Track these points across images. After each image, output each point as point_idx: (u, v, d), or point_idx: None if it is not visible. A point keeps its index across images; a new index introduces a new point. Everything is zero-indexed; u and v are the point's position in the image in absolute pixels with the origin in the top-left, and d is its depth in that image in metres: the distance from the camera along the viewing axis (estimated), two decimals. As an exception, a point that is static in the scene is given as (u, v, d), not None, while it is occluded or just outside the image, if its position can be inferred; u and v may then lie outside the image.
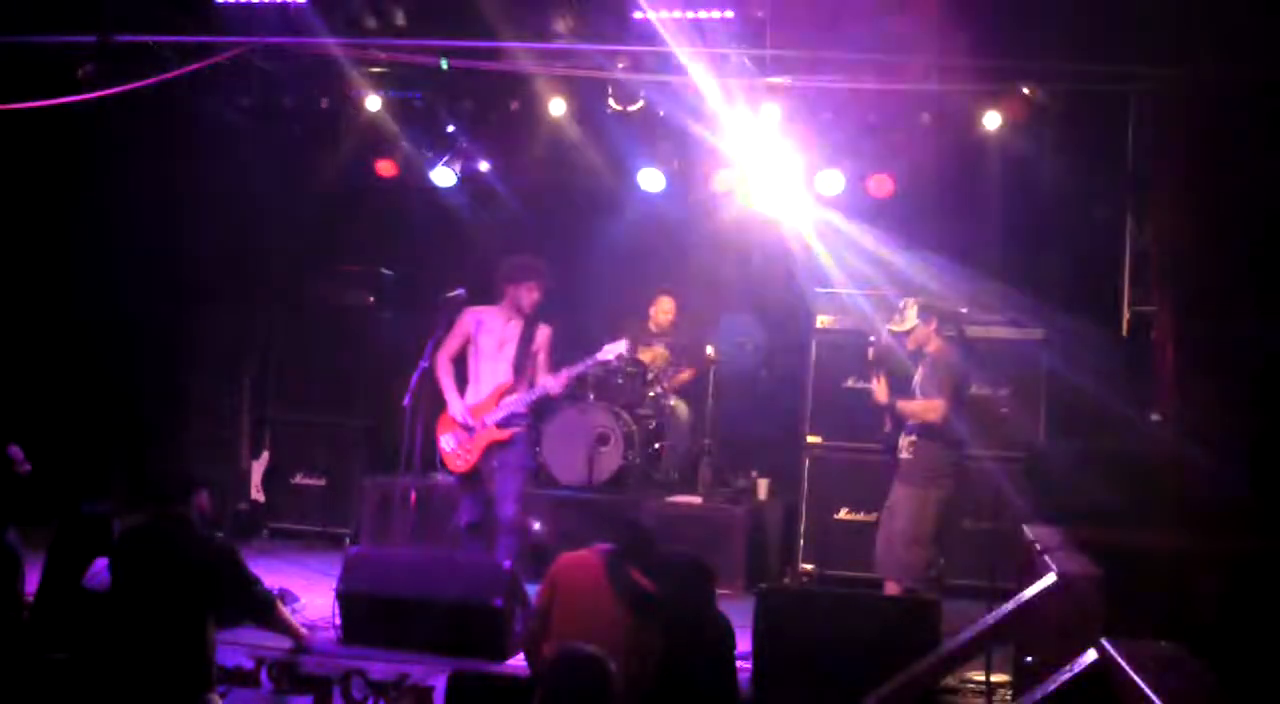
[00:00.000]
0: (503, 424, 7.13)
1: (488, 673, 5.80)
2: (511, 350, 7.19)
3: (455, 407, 7.17)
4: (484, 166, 9.59)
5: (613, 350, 7.25)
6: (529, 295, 7.18)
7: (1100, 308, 8.20)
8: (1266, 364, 6.41)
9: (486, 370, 7.21)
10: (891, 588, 6.69)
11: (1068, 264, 8.45)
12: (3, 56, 7.55)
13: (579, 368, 7.28)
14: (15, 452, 6.29)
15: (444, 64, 8.01)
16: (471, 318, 7.24)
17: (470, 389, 7.24)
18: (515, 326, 7.22)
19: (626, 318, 9.59)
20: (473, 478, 7.19)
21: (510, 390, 7.14)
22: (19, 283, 8.87)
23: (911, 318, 6.79)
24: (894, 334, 6.87)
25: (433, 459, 7.63)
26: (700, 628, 4.98)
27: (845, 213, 9.11)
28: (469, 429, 7.14)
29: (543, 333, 7.23)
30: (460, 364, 7.29)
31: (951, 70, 7.58)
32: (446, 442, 7.19)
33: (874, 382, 6.85)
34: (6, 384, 8.39)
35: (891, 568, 6.71)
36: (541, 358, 7.19)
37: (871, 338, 6.99)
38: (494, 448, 7.14)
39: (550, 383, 7.10)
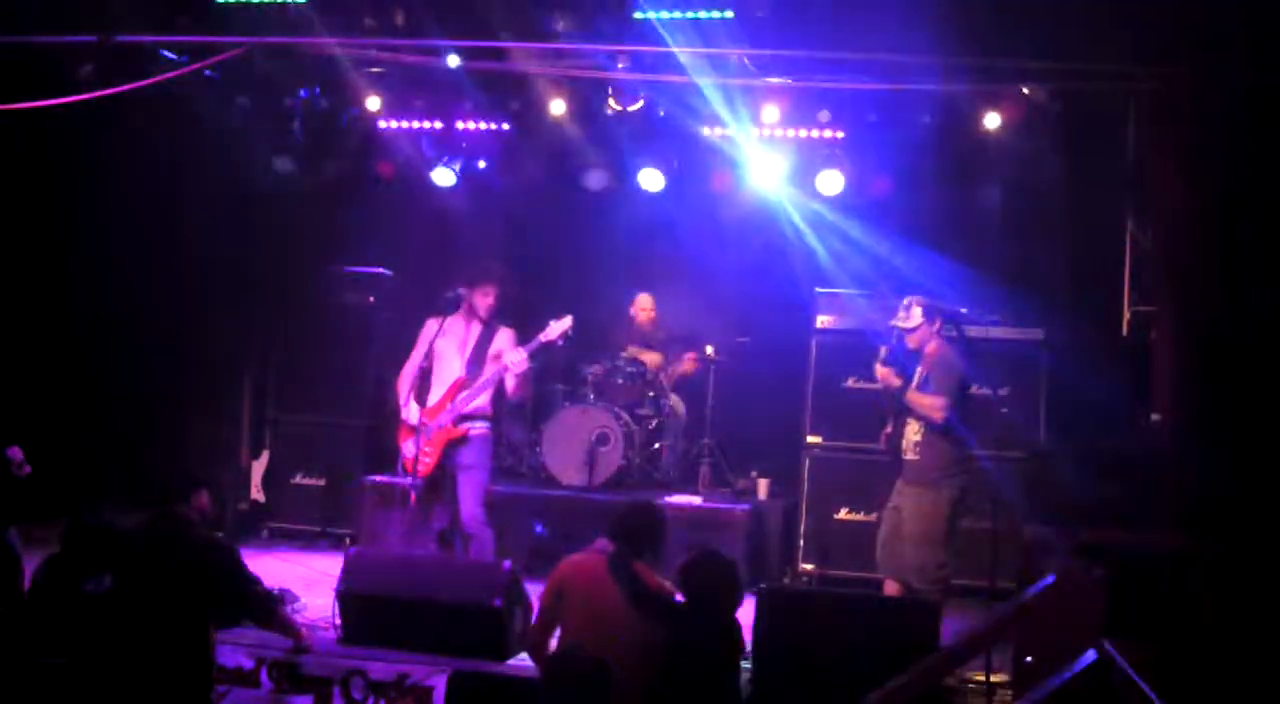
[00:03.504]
0: (458, 421, 7.03)
1: (488, 673, 5.79)
2: (468, 350, 7.11)
3: (409, 411, 7.07)
4: (482, 166, 9.59)
5: (557, 328, 7.09)
6: (483, 300, 7.09)
7: (1100, 308, 8.20)
8: (1264, 362, 6.42)
9: (444, 373, 7.12)
10: (891, 588, 6.68)
11: (1068, 264, 8.45)
12: (3, 56, 7.54)
13: (524, 348, 7.07)
14: (15, 453, 6.27)
15: (452, 61, 7.97)
16: (433, 325, 7.14)
17: (430, 394, 7.14)
18: (474, 330, 7.14)
19: (618, 320, 9.62)
20: (438, 482, 7.08)
21: (463, 387, 7.05)
22: (19, 282, 8.87)
23: (917, 317, 6.76)
24: (899, 330, 6.86)
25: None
26: (715, 630, 4.99)
27: (845, 212, 9.12)
28: (424, 430, 7.03)
29: (504, 335, 7.14)
30: (425, 374, 7.18)
31: (952, 70, 7.57)
32: (408, 449, 7.05)
33: (880, 369, 6.80)
34: (7, 383, 8.39)
35: (897, 568, 6.69)
36: (506, 357, 7.05)
37: (885, 337, 6.96)
38: (452, 447, 7.04)
39: (508, 363, 6.96)
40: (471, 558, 6.92)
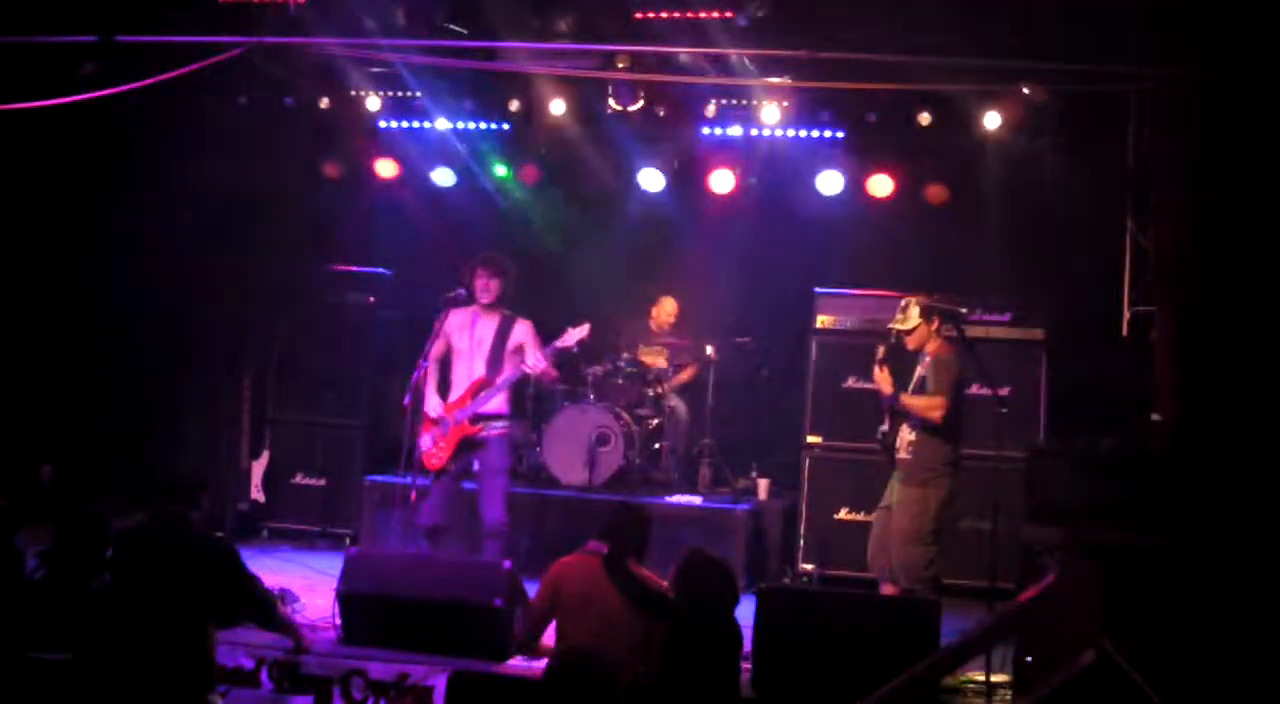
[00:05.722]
0: (475, 420, 7.03)
1: (488, 673, 5.79)
2: (486, 347, 7.08)
3: (431, 403, 7.08)
4: (484, 166, 9.60)
5: (574, 335, 7.09)
6: (483, 284, 7.04)
7: (1100, 308, 8.20)
8: (1264, 362, 6.42)
9: (462, 368, 7.12)
10: (888, 588, 6.68)
11: (1068, 264, 8.45)
12: (3, 56, 7.54)
13: (543, 353, 7.07)
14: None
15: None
16: (449, 318, 7.12)
17: (452, 389, 7.16)
18: (490, 324, 7.11)
19: (628, 319, 9.62)
20: (444, 475, 7.09)
21: (485, 385, 7.04)
22: (20, 282, 8.87)
23: (914, 317, 6.77)
24: (896, 332, 6.86)
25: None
26: (713, 630, 4.98)
27: (846, 212, 9.13)
28: (443, 424, 7.05)
29: (521, 328, 7.11)
30: (445, 366, 7.21)
31: (952, 70, 7.57)
32: (425, 441, 7.08)
33: (877, 373, 6.83)
34: (7, 384, 8.40)
35: (886, 567, 6.70)
36: (530, 352, 7.06)
37: (884, 336, 6.95)
38: (467, 446, 7.03)
39: (527, 366, 6.98)
40: (477, 558, 6.90)
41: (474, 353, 7.10)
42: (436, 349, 7.12)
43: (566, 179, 9.56)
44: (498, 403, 7.08)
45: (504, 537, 7.00)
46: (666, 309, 9.55)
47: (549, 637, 5.73)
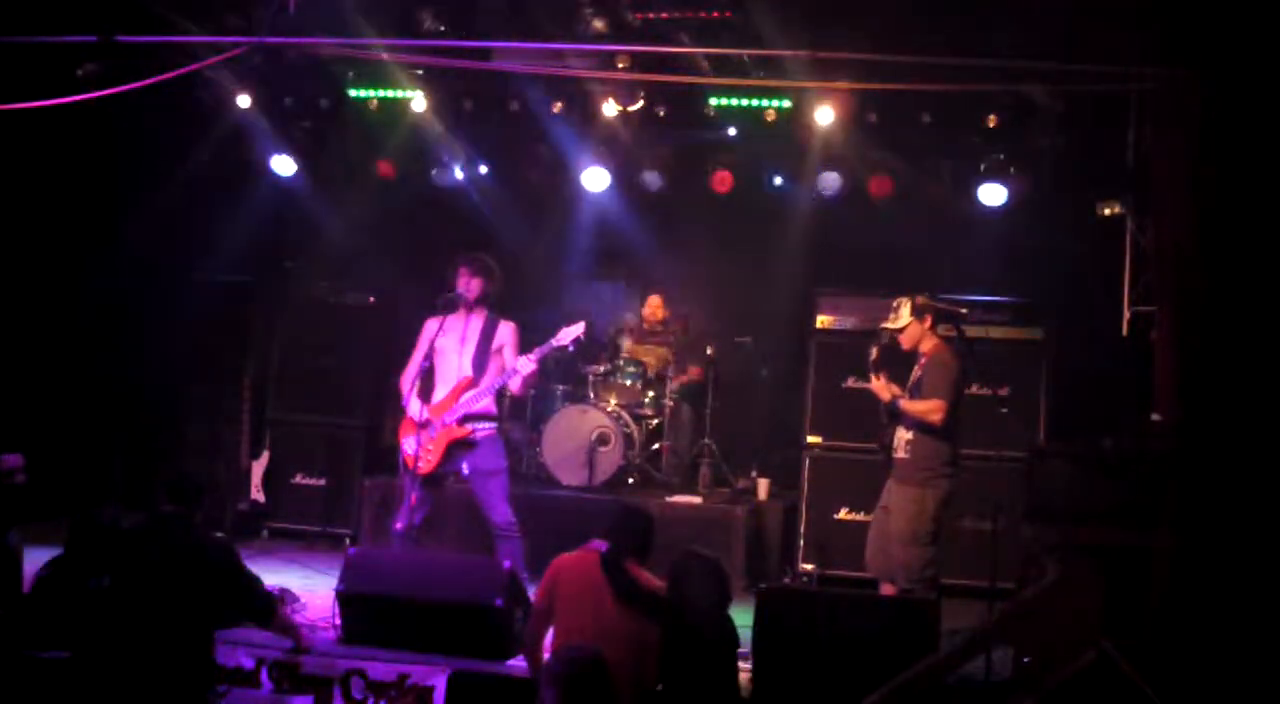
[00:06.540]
0: (463, 421, 6.93)
1: (488, 673, 5.80)
2: (472, 347, 6.98)
3: (412, 406, 6.96)
4: (483, 168, 9.61)
5: (569, 333, 6.95)
6: (465, 283, 6.97)
7: (1100, 308, 8.20)
8: (1264, 362, 6.42)
9: (447, 368, 7.00)
10: (887, 588, 6.67)
11: (1068, 264, 8.45)
12: (3, 56, 7.55)
13: (535, 353, 6.93)
14: (14, 460, 6.23)
15: None
16: (433, 325, 7.02)
17: (435, 392, 7.04)
18: (475, 325, 7.01)
19: (623, 317, 9.64)
20: (433, 480, 6.98)
21: (471, 386, 6.94)
22: (19, 282, 8.87)
23: (905, 316, 6.74)
24: (888, 332, 6.84)
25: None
26: (708, 630, 4.99)
27: (846, 212, 9.14)
28: (428, 427, 6.93)
29: (505, 329, 7.01)
30: (428, 373, 7.07)
31: (952, 70, 7.57)
32: (408, 445, 6.90)
33: (874, 380, 6.81)
34: (9, 383, 8.40)
35: (885, 568, 6.69)
36: (509, 354, 6.96)
37: (876, 337, 6.95)
38: (458, 449, 6.92)
39: (515, 367, 6.89)
40: (490, 558, 6.86)
41: (460, 353, 7.01)
42: (416, 357, 7.03)
43: (564, 178, 9.55)
44: (485, 403, 7.03)
45: (517, 536, 6.88)
46: (653, 305, 9.59)
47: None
